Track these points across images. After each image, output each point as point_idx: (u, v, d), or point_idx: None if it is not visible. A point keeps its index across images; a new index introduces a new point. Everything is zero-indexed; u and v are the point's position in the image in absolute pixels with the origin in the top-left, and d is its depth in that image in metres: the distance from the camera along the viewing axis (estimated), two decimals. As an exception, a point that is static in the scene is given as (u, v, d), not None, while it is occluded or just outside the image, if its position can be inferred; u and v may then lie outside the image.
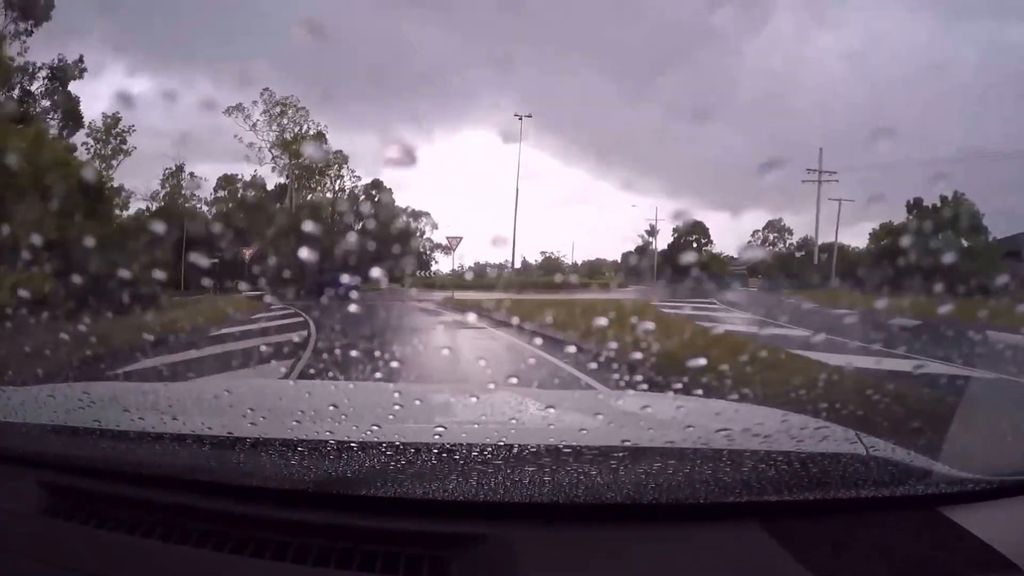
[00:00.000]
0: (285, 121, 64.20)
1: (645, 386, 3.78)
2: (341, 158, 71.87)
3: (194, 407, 1.66)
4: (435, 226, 77.80)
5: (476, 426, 1.57)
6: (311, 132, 67.17)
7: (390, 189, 76.01)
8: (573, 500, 1.07)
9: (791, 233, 62.47)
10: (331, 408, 1.62)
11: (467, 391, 2.00)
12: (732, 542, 1.07)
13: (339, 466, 1.15)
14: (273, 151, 67.30)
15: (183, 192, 65.45)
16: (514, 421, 1.67)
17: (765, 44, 60.48)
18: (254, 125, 64.89)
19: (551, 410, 1.75)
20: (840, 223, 47.63)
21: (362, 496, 1.11)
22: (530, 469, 1.12)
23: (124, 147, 60.61)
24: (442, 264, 72.51)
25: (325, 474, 1.13)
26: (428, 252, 73.91)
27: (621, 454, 1.19)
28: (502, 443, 1.23)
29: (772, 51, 64.41)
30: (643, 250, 74.43)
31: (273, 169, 71.20)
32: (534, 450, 1.18)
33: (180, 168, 62.35)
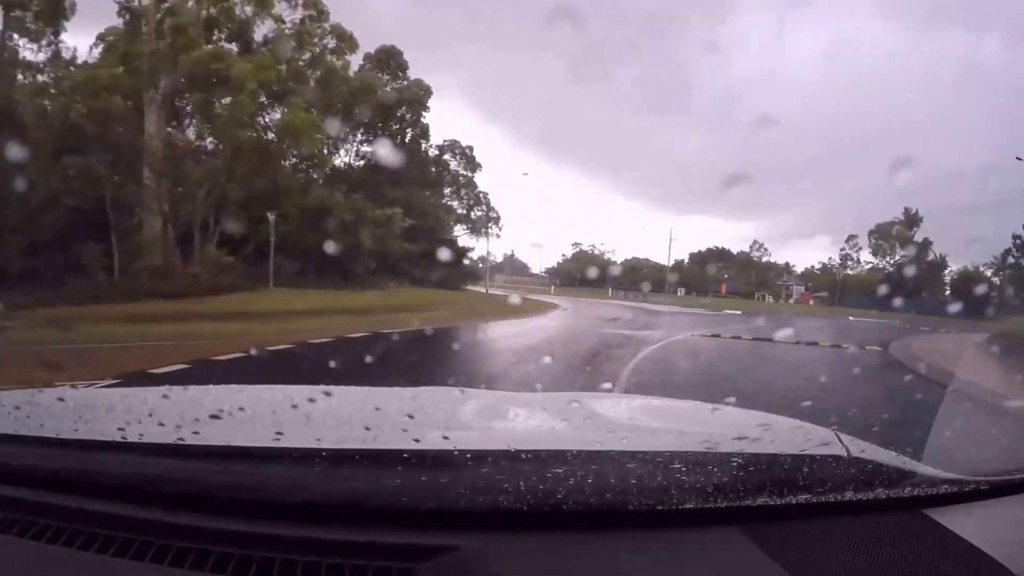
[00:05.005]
0: None
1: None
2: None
3: (145, 413, 1.58)
4: (476, 165, 36.82)
5: (450, 432, 1.51)
6: None
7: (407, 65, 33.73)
8: (547, 507, 1.05)
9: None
10: (297, 414, 1.54)
11: (442, 395, 1.96)
12: (713, 548, 1.05)
13: (303, 475, 1.11)
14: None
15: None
16: (489, 426, 1.64)
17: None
18: None
19: (528, 413, 1.72)
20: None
21: (327, 506, 1.07)
22: (504, 475, 1.09)
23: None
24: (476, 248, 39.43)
25: (287, 484, 1.09)
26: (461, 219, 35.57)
27: (598, 459, 1.17)
28: (475, 449, 1.20)
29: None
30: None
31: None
32: (509, 456, 1.15)
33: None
